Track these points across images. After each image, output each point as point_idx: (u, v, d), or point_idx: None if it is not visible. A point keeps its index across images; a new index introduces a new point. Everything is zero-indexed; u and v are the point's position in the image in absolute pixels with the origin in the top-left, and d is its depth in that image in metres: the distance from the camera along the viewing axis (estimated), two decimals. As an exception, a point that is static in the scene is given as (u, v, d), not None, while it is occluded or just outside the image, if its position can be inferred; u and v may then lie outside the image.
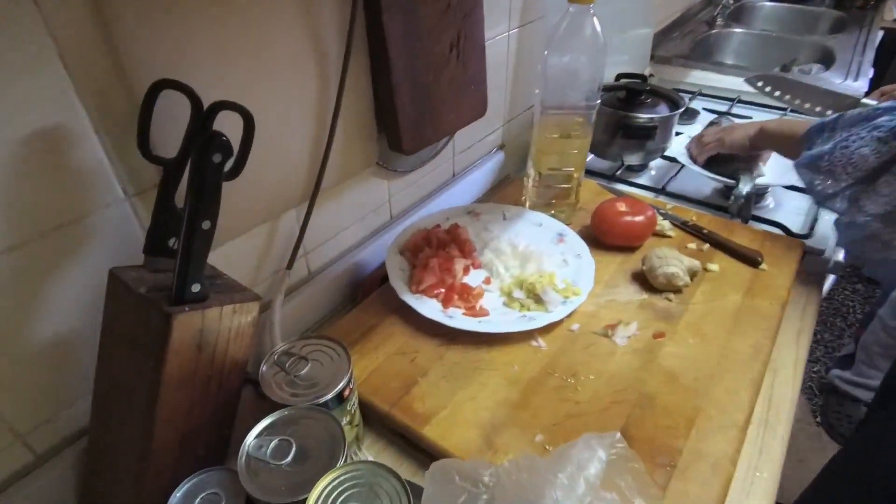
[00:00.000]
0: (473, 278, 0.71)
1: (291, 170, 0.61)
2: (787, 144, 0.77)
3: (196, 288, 0.41)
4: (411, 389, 0.57)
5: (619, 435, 0.40)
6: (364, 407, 0.55)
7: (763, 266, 0.73)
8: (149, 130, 0.41)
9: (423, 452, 0.53)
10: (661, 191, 0.98)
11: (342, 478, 0.36)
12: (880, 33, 1.86)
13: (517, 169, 1.12)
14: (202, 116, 0.43)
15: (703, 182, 1.01)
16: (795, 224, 0.88)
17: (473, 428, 0.53)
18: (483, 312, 0.65)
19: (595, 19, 0.68)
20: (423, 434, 0.52)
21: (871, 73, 1.54)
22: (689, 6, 2.01)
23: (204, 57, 0.47)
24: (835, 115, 0.69)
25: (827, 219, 0.88)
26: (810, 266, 0.80)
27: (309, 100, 0.60)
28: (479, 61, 0.78)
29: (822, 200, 0.69)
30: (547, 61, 0.72)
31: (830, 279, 0.90)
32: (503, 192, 0.95)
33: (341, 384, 0.46)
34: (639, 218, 0.76)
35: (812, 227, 0.86)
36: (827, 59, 1.74)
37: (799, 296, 0.74)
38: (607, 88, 1.06)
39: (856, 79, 1.53)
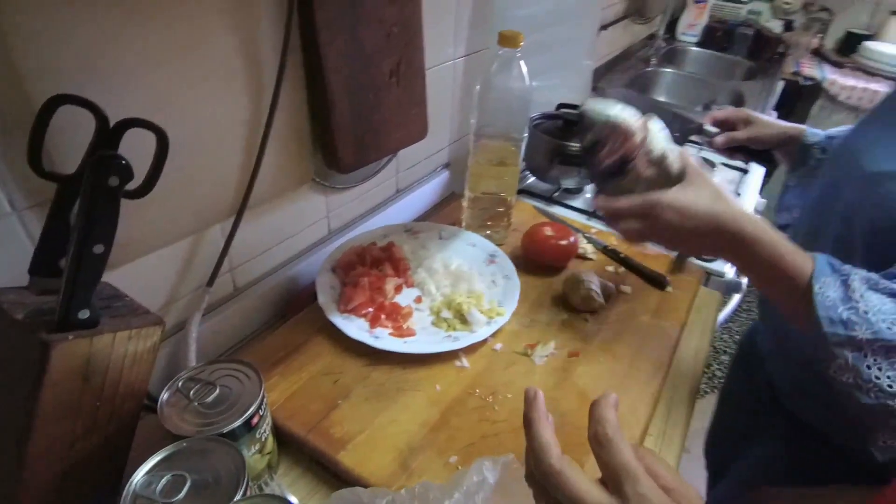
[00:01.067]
0: (405, 297, 0.68)
1: (218, 184, 0.57)
2: (777, 285, 0.46)
3: (84, 314, 0.36)
4: (331, 413, 0.53)
5: (512, 456, 0.38)
6: (280, 432, 0.51)
7: (669, 288, 0.74)
8: (41, 146, 0.36)
9: (339, 479, 0.49)
10: (592, 214, 0.99)
11: (232, 518, 0.32)
12: (782, 83, 1.99)
13: (463, 187, 1.11)
14: (108, 133, 0.39)
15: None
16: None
17: (391, 452, 0.49)
18: (409, 332, 0.62)
19: (522, 63, 0.68)
20: (338, 460, 0.48)
21: (774, 115, 1.63)
22: (630, 44, 2.07)
23: (119, 60, 0.42)
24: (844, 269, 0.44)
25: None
26: (715, 286, 0.82)
27: (239, 112, 0.55)
28: (420, 86, 0.76)
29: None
30: (479, 94, 0.71)
31: (736, 298, 0.93)
32: (447, 208, 0.92)
33: (250, 411, 0.42)
34: (563, 242, 0.76)
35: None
36: (739, 102, 1.83)
37: (700, 315, 0.75)
38: (548, 117, 1.07)
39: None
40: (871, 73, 2.05)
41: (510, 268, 0.72)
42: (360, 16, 0.62)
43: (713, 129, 0.78)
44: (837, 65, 2.18)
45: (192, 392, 0.43)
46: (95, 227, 0.34)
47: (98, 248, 0.35)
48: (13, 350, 0.34)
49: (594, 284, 0.68)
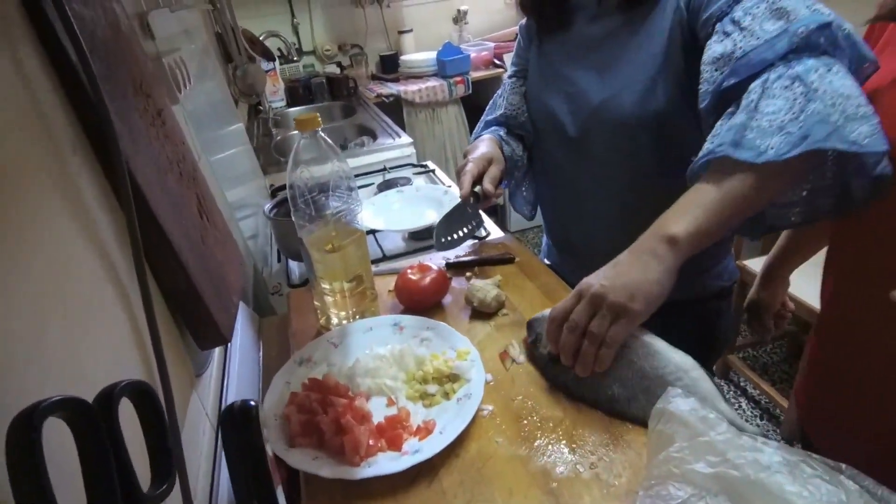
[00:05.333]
0: (380, 410, 0.64)
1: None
2: (741, 215, 0.60)
3: None
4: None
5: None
6: None
7: (517, 259, 0.95)
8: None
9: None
10: (382, 258, 1.11)
11: None
12: (377, 107, 2.54)
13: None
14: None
15: (397, 237, 1.19)
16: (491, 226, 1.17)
17: (534, 488, 0.51)
18: (431, 425, 0.60)
19: (323, 136, 0.73)
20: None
21: (403, 133, 2.07)
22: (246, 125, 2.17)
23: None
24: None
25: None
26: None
27: (128, 339, 0.42)
28: (219, 215, 0.70)
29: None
30: (294, 184, 0.72)
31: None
32: (287, 339, 0.86)
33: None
34: (432, 276, 0.84)
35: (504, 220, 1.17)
36: (370, 133, 2.23)
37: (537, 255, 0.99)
38: (279, 203, 1.13)
39: (399, 137, 2.04)
40: (419, 77, 2.86)
41: (423, 320, 0.77)
42: (160, 164, 0.54)
43: (485, 188, 0.90)
44: (395, 80, 2.92)
45: None
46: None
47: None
48: None
49: (488, 285, 0.82)
